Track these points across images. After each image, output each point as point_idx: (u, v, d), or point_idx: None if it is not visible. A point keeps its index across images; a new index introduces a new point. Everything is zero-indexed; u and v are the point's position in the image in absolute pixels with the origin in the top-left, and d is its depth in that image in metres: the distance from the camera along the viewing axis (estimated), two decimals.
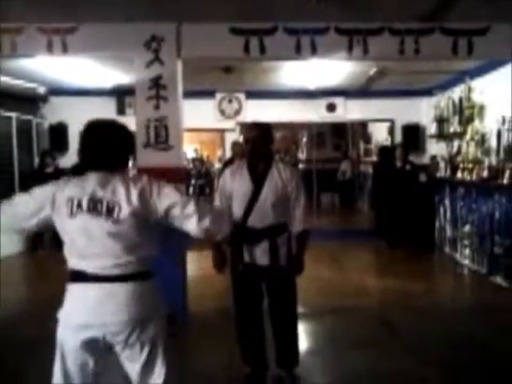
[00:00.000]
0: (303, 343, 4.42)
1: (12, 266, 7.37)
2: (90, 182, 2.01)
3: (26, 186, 7.50)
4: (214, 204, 3.28)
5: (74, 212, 1.97)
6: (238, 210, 3.18)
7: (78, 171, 2.07)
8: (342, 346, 4.07)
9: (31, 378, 3.50)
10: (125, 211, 1.97)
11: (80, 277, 1.99)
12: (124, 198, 1.99)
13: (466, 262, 6.77)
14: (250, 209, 3.13)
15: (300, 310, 5.35)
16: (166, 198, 2.03)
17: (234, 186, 3.23)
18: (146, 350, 2.02)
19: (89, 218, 1.97)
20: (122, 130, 2.14)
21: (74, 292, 2.02)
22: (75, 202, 1.98)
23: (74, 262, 2.02)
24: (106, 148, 2.05)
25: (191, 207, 2.03)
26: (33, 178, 7.89)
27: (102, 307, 1.96)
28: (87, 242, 1.98)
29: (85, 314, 1.97)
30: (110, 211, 1.97)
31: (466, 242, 6.81)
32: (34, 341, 3.97)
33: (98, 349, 2.00)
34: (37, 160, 8.49)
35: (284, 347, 3.42)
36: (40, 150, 8.56)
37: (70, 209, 1.98)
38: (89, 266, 1.98)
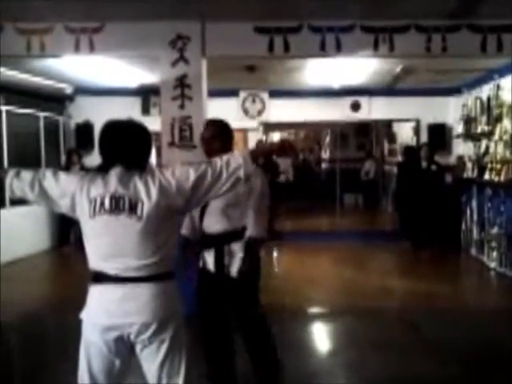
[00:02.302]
0: (324, 343, 4.41)
1: (39, 262, 7.53)
2: (112, 181, 2.00)
3: None
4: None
5: (97, 211, 1.96)
6: (196, 214, 2.98)
7: (101, 169, 2.07)
8: (364, 347, 4.03)
9: (56, 371, 3.56)
10: (147, 207, 1.96)
11: (102, 278, 1.98)
12: (144, 193, 1.97)
13: (493, 264, 6.63)
14: (203, 213, 2.93)
15: (322, 309, 5.39)
16: (187, 174, 2.00)
17: None
18: (164, 350, 2.01)
19: (112, 216, 1.96)
20: (139, 129, 2.15)
21: (96, 293, 2.02)
22: (98, 202, 1.97)
23: (96, 263, 2.01)
24: (123, 147, 2.05)
25: (217, 164, 2.01)
26: None
27: (124, 308, 1.96)
28: (111, 242, 1.97)
29: (107, 315, 1.97)
30: (132, 208, 1.95)
31: (494, 244, 6.66)
32: (59, 335, 4.04)
33: (122, 349, 2.01)
34: (63, 158, 8.64)
35: (255, 363, 3.09)
36: (66, 149, 8.71)
37: (93, 208, 1.97)
38: (111, 268, 1.97)
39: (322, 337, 4.61)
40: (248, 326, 3.05)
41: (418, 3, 4.32)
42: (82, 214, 2.00)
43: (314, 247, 8.21)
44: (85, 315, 2.03)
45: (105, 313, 1.98)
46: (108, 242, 1.97)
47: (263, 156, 2.24)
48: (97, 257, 2.00)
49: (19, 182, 2.08)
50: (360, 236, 8.74)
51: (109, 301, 1.98)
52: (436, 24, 4.57)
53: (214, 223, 2.91)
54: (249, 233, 2.89)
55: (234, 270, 2.90)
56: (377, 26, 4.61)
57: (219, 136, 2.97)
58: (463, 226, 7.77)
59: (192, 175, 1.99)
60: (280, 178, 10.37)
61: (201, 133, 3.15)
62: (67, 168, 8.15)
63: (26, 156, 7.83)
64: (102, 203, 1.96)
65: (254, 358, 3.09)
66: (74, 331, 2.18)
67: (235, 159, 2.02)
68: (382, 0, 4.28)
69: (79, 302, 2.10)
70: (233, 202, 2.86)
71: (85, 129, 8.85)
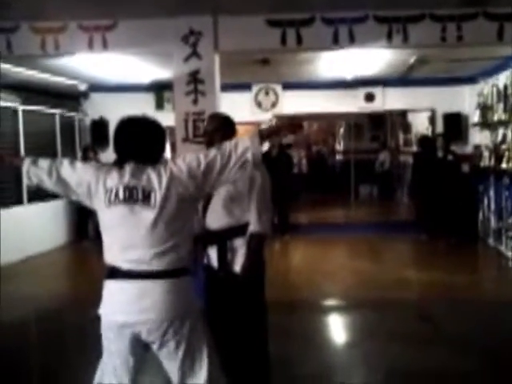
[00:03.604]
0: (341, 335, 4.41)
1: (57, 257, 7.64)
2: (126, 173, 2.04)
3: None
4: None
5: (112, 201, 2.00)
6: (200, 209, 2.93)
7: (117, 164, 2.12)
8: (381, 340, 4.02)
9: (74, 366, 3.62)
10: (160, 195, 1.99)
11: (116, 273, 2.00)
12: (157, 183, 2.00)
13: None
14: (205, 209, 2.89)
15: (339, 302, 5.40)
16: (198, 160, 2.03)
17: None
18: (182, 348, 2.01)
19: (126, 206, 1.99)
20: (153, 125, 2.18)
21: (110, 290, 2.04)
22: (113, 192, 2.01)
23: (111, 256, 2.04)
24: (137, 142, 2.09)
25: (226, 148, 2.03)
26: None
27: (138, 305, 1.97)
28: (126, 231, 1.99)
29: (121, 312, 1.99)
30: (146, 197, 1.99)
31: None
32: (77, 330, 4.11)
33: (137, 347, 2.03)
34: (79, 155, 8.73)
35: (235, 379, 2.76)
36: (82, 145, 8.80)
37: (108, 199, 2.01)
38: (126, 260, 1.98)
39: (338, 329, 4.61)
40: (244, 327, 2.91)
41: None
42: (99, 203, 2.04)
43: (329, 239, 8.20)
44: (101, 312, 2.05)
45: (119, 310, 1.99)
46: (124, 232, 2.00)
47: (271, 134, 2.22)
48: (113, 248, 2.03)
49: (36, 170, 2.13)
50: (376, 227, 8.70)
51: (122, 298, 1.99)
52: (451, 13, 4.51)
53: (216, 219, 2.87)
54: (251, 228, 2.80)
55: (236, 266, 2.84)
56: (390, 16, 4.56)
57: (221, 129, 2.96)
58: (480, 216, 7.69)
59: (203, 161, 2.02)
60: (294, 170, 10.35)
61: (204, 126, 3.21)
62: None
63: (42, 153, 7.81)
64: (117, 194, 2.00)
65: (239, 356, 2.90)
66: (92, 327, 2.21)
67: (243, 142, 2.04)
68: None
69: (97, 297, 2.12)
70: (234, 195, 2.81)
71: (100, 125, 8.92)
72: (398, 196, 12.22)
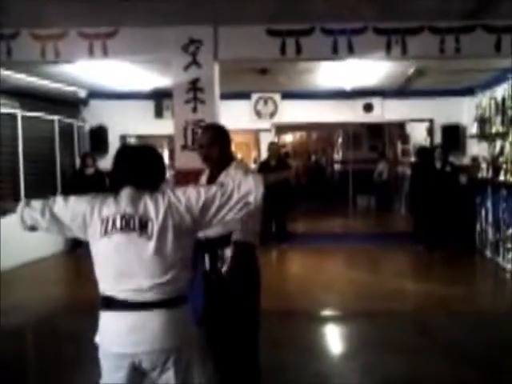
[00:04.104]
0: (338, 346, 4.39)
1: (53, 264, 7.61)
2: (123, 201, 2.00)
3: (67, 187, 7.70)
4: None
5: (109, 231, 1.96)
6: None
7: (112, 190, 2.07)
8: (377, 351, 4.01)
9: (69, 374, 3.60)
10: (157, 225, 1.94)
11: (111, 304, 1.96)
12: (154, 212, 1.96)
13: (509, 266, 6.55)
14: None
15: (335, 312, 5.38)
16: (197, 195, 1.99)
17: None
18: (181, 376, 1.98)
19: (123, 235, 1.95)
20: (150, 151, 2.16)
21: (106, 321, 2.00)
22: (110, 221, 1.97)
23: (105, 286, 1.99)
24: (133, 168, 2.06)
25: (227, 187, 2.00)
26: (74, 179, 8.14)
27: (135, 336, 1.93)
28: (122, 261, 1.95)
29: (117, 344, 1.96)
30: (143, 227, 1.94)
31: (509, 246, 6.59)
32: (71, 338, 4.09)
33: (135, 376, 2.00)
34: (78, 161, 8.73)
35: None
36: (81, 152, 8.80)
37: (105, 228, 1.97)
38: (121, 290, 1.95)
39: (335, 339, 4.59)
40: (236, 333, 2.88)
41: (431, 4, 4.30)
42: (94, 233, 1.99)
43: (326, 249, 8.19)
44: (98, 340, 2.02)
45: (115, 341, 1.96)
46: (120, 261, 1.96)
47: (277, 182, 2.15)
48: (108, 277, 1.98)
49: (30, 211, 2.10)
50: (373, 238, 8.70)
51: (118, 329, 1.95)
52: (449, 25, 4.54)
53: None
54: (233, 237, 2.80)
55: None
56: (389, 28, 4.59)
57: (218, 141, 2.89)
58: (478, 228, 7.70)
59: (202, 196, 1.98)
60: (293, 180, 10.36)
61: (197, 139, 3.05)
62: (82, 171, 8.24)
63: (41, 159, 7.92)
64: (114, 222, 1.96)
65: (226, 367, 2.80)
66: (86, 334, 2.20)
67: (246, 182, 2.00)
68: (394, 1, 4.27)
69: (92, 305, 2.11)
70: None
71: (99, 132, 8.94)
72: (396, 206, 12.23)
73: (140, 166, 2.07)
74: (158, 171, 2.13)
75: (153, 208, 1.97)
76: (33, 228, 2.14)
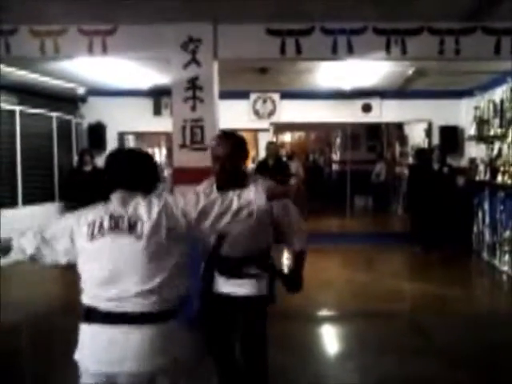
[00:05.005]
0: (334, 347, 4.40)
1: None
2: (112, 202, 1.93)
3: (64, 184, 7.65)
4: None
5: (96, 234, 1.87)
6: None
7: (104, 194, 2.01)
8: (374, 351, 4.02)
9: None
10: (148, 225, 1.84)
11: (92, 315, 1.84)
12: (146, 212, 1.87)
13: (505, 268, 6.56)
14: (222, 238, 2.55)
15: (332, 312, 5.38)
16: (196, 200, 1.92)
17: None
18: None
19: (111, 236, 1.85)
20: (142, 155, 2.10)
21: (87, 335, 1.87)
22: (97, 224, 1.88)
23: (90, 294, 1.87)
24: (124, 170, 1.99)
25: (227, 196, 1.93)
26: (71, 176, 8.12)
27: (114, 354, 1.79)
28: (109, 264, 1.84)
29: (96, 361, 1.83)
30: (132, 226, 1.85)
31: (506, 248, 6.61)
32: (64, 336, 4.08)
33: None
34: (76, 158, 8.70)
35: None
36: (79, 149, 8.76)
37: (92, 231, 1.87)
38: (105, 298, 1.82)
39: (331, 340, 4.59)
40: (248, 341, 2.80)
41: (431, 5, 4.30)
42: (81, 241, 1.89)
43: (323, 249, 8.17)
44: (77, 357, 1.89)
45: (94, 358, 1.83)
46: (107, 263, 1.84)
47: (278, 197, 2.09)
48: (92, 285, 1.87)
49: (24, 239, 2.03)
50: (370, 238, 8.70)
51: (97, 345, 1.82)
52: (449, 26, 4.55)
53: (238, 246, 2.64)
54: (296, 246, 2.81)
55: (245, 289, 2.68)
56: (389, 29, 4.60)
57: (236, 154, 2.54)
58: (475, 229, 7.71)
59: (202, 201, 1.91)
60: (291, 181, 10.35)
61: (212, 148, 2.60)
62: (79, 168, 8.21)
63: (38, 156, 7.91)
64: (101, 224, 1.87)
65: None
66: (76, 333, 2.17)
67: (248, 194, 1.93)
68: (394, 2, 4.27)
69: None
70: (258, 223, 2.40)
71: (97, 129, 8.92)
72: (393, 207, 12.25)
73: (132, 170, 1.99)
74: (151, 176, 2.06)
75: (145, 208, 1.88)
76: (32, 258, 2.04)
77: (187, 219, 1.89)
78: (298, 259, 2.87)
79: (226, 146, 2.52)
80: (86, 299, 1.88)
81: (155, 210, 1.88)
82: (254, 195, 1.93)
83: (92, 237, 1.87)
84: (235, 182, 2.47)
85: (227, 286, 2.68)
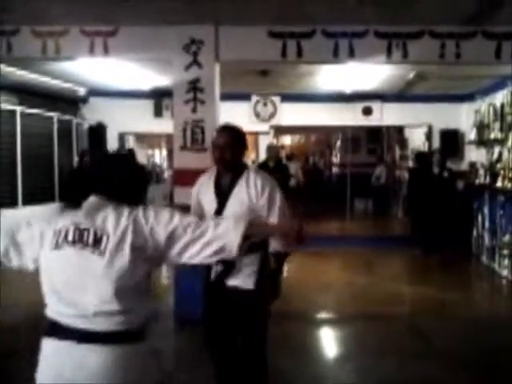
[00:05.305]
0: (333, 349, 4.39)
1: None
2: (81, 211, 1.76)
3: (64, 184, 7.62)
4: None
5: (60, 244, 1.70)
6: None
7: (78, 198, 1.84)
8: (373, 354, 4.02)
9: None
10: (112, 241, 1.67)
11: (53, 330, 1.69)
12: (112, 226, 1.69)
13: (505, 272, 6.56)
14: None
15: (332, 315, 5.38)
16: (169, 219, 1.73)
17: (202, 200, 2.86)
18: None
19: (74, 249, 1.69)
20: (127, 161, 1.95)
21: (46, 351, 1.71)
22: (62, 233, 1.71)
23: (50, 307, 1.72)
24: (101, 174, 1.84)
25: (202, 222, 1.75)
26: (71, 177, 8.12)
27: (70, 375, 1.64)
28: (70, 279, 1.68)
29: (53, 377, 1.67)
30: (96, 241, 1.67)
31: (506, 252, 6.60)
32: None
33: None
34: (76, 159, 8.71)
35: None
36: (79, 150, 8.78)
37: (56, 241, 1.71)
38: (65, 313, 1.67)
39: (330, 343, 4.59)
40: (247, 338, 2.85)
41: (432, 9, 4.30)
42: (46, 248, 1.73)
43: (323, 252, 8.18)
44: (37, 377, 1.73)
45: (50, 377, 1.67)
46: (67, 279, 1.69)
47: (259, 234, 1.99)
48: (53, 298, 1.71)
49: None
50: (370, 241, 8.70)
51: (55, 363, 1.67)
52: (450, 30, 4.56)
53: None
54: (273, 247, 2.76)
55: (240, 281, 2.75)
56: (390, 32, 4.61)
57: (234, 144, 2.74)
58: (474, 233, 7.71)
59: (174, 222, 1.72)
60: (291, 182, 10.35)
61: (212, 138, 2.90)
62: (80, 169, 8.21)
63: (39, 156, 7.91)
64: (66, 235, 1.71)
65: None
66: None
67: (226, 224, 1.76)
68: (395, 6, 4.27)
69: None
70: (252, 215, 2.60)
71: (98, 130, 8.92)
72: (393, 210, 12.25)
73: (108, 175, 1.83)
74: (131, 184, 1.86)
75: (112, 221, 1.70)
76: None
77: (155, 240, 1.71)
78: (279, 263, 2.78)
79: (225, 136, 2.75)
80: (48, 312, 1.73)
81: (122, 224, 1.70)
82: (232, 228, 1.74)
83: (55, 246, 1.71)
84: (233, 170, 2.73)
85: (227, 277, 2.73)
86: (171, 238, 1.71)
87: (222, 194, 2.73)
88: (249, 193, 2.67)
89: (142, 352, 1.72)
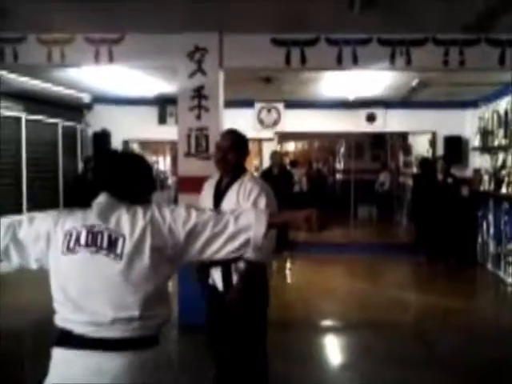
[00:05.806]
0: (337, 356, 4.37)
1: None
2: (92, 212, 1.68)
3: (69, 191, 7.65)
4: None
5: (71, 247, 1.62)
6: None
7: (87, 200, 1.78)
8: (377, 362, 4.00)
9: None
10: (129, 244, 1.60)
11: (65, 339, 1.61)
12: (128, 227, 1.62)
13: (510, 279, 6.53)
14: None
15: (335, 322, 5.36)
16: (186, 217, 1.66)
17: (202, 202, 2.98)
18: None
19: (87, 253, 1.61)
20: (134, 159, 1.90)
21: (58, 360, 1.64)
22: (74, 236, 1.63)
23: (62, 315, 1.64)
24: (111, 173, 1.78)
25: (223, 216, 1.67)
26: (76, 184, 8.15)
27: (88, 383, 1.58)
28: (84, 285, 1.61)
29: None
30: (111, 245, 1.60)
31: (511, 259, 6.58)
32: None
33: None
34: (80, 166, 8.74)
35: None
36: (84, 157, 8.82)
37: (67, 244, 1.63)
38: (79, 322, 1.59)
39: (334, 350, 4.57)
40: (246, 345, 2.89)
41: (436, 16, 4.32)
42: (55, 250, 1.65)
43: (327, 258, 8.17)
44: None
45: None
46: (80, 285, 1.61)
47: (282, 225, 2.01)
48: (65, 306, 1.63)
49: None
50: (374, 249, 8.68)
51: (70, 373, 1.60)
52: (454, 37, 4.56)
53: None
54: (247, 255, 2.61)
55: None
56: (394, 39, 4.62)
57: (236, 147, 2.90)
58: (479, 240, 7.68)
59: (192, 220, 1.65)
60: (295, 189, 10.36)
61: (216, 141, 3.12)
62: (84, 176, 8.25)
63: (43, 163, 7.95)
64: (78, 238, 1.63)
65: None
66: None
67: (247, 216, 1.68)
68: (399, 13, 4.29)
69: None
70: None
71: (102, 137, 8.96)
72: (397, 217, 12.21)
73: (117, 172, 1.77)
74: (143, 181, 1.82)
75: (128, 222, 1.63)
76: None
77: (174, 239, 1.64)
78: (245, 274, 2.74)
79: (228, 139, 2.92)
80: (58, 321, 1.65)
81: (139, 224, 1.62)
82: (254, 219, 1.66)
83: (67, 250, 1.63)
84: (232, 172, 2.86)
85: (213, 279, 2.85)
86: (191, 236, 1.64)
87: (219, 196, 2.87)
88: (238, 195, 2.78)
89: (157, 356, 1.67)
